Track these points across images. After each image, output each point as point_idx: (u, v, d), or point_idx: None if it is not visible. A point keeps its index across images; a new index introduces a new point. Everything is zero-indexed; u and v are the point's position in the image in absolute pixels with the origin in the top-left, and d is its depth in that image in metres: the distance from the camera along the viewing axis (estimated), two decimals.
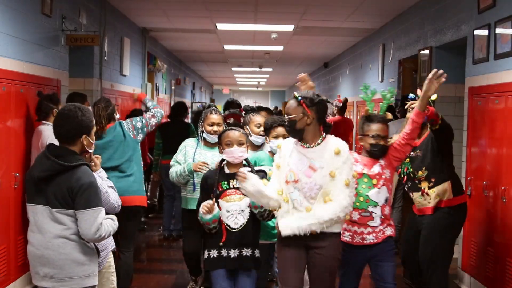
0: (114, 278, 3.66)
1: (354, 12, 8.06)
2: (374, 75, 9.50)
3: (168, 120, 7.78)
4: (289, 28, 9.53)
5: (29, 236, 3.16)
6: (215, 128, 4.50)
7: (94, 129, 3.23)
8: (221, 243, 3.61)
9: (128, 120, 4.78)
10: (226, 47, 12.40)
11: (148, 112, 4.88)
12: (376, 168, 3.80)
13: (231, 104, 6.63)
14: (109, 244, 3.61)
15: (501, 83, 4.79)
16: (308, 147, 3.40)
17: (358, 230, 3.75)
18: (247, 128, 4.65)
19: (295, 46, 11.81)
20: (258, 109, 5.48)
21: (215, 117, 4.52)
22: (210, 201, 3.60)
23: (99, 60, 7.24)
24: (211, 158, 4.45)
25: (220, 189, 3.68)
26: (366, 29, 9.51)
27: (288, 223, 3.32)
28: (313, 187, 3.31)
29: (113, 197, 3.48)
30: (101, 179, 3.51)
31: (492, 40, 4.97)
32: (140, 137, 4.77)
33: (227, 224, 3.63)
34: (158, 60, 10.95)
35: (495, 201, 4.79)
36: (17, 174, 4.78)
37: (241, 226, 3.63)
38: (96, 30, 6.81)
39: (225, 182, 3.69)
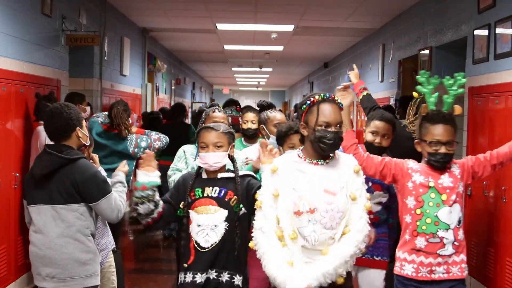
0: (114, 278, 3.66)
1: (354, 12, 8.05)
2: (374, 75, 9.49)
3: (168, 121, 7.78)
4: (289, 28, 9.52)
5: (31, 236, 3.17)
6: None
7: (84, 122, 3.27)
8: (185, 265, 2.85)
9: (135, 136, 4.78)
10: (226, 47, 12.39)
11: (154, 133, 4.89)
12: (445, 179, 3.04)
13: (228, 103, 6.37)
14: (109, 243, 3.62)
15: (501, 83, 4.79)
16: (322, 164, 2.72)
17: (425, 260, 3.01)
18: (264, 129, 4.03)
19: (295, 46, 11.81)
20: (245, 109, 4.60)
21: (219, 115, 3.82)
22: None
23: (99, 60, 7.24)
24: None
25: (193, 198, 2.92)
26: (366, 29, 9.50)
27: (298, 274, 2.59)
28: (335, 215, 2.64)
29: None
30: None
31: (492, 40, 4.96)
32: (139, 155, 4.75)
33: (196, 242, 2.85)
34: (158, 60, 10.95)
35: (495, 201, 4.79)
36: (17, 174, 4.78)
37: (212, 245, 2.83)
38: (96, 30, 6.81)
39: (200, 190, 2.92)
